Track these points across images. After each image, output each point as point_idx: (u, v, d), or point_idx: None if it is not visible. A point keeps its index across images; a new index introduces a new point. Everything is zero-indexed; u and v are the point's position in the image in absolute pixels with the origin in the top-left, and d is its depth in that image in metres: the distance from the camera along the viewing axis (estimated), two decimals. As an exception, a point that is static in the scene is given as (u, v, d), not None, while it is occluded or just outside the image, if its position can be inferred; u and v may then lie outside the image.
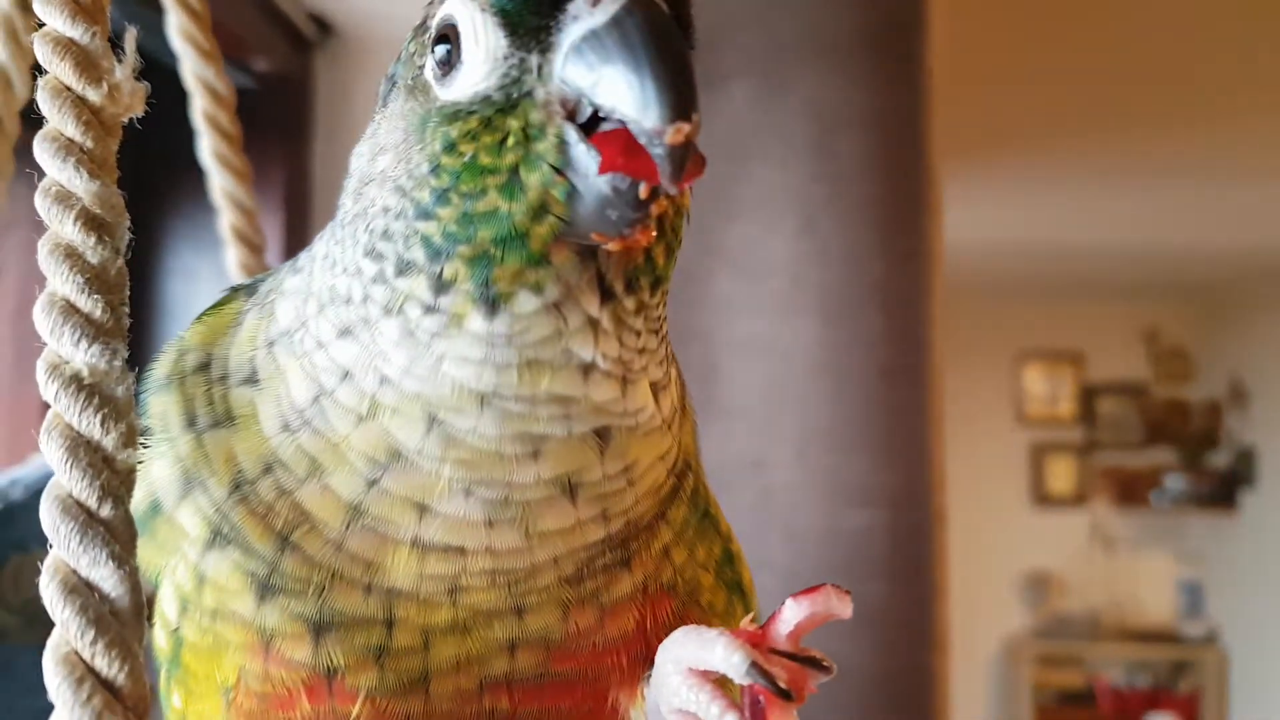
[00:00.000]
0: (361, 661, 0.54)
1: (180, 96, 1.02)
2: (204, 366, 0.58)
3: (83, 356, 0.50)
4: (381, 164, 0.54)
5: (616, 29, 0.45)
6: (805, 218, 1.51)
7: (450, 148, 0.49)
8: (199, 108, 0.99)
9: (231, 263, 1.04)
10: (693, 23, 0.51)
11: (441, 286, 0.49)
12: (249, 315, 0.59)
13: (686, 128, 0.44)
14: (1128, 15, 2.73)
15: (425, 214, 0.50)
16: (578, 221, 0.47)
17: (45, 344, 0.51)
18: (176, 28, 0.96)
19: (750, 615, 0.56)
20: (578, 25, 0.47)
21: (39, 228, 0.55)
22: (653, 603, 0.59)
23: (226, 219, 1.02)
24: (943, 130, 1.58)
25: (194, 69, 0.97)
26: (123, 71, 0.59)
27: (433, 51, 0.52)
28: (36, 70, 0.60)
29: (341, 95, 2.25)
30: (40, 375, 0.50)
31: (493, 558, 0.53)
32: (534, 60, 0.48)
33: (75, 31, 0.57)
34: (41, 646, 0.48)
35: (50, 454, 0.49)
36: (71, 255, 0.52)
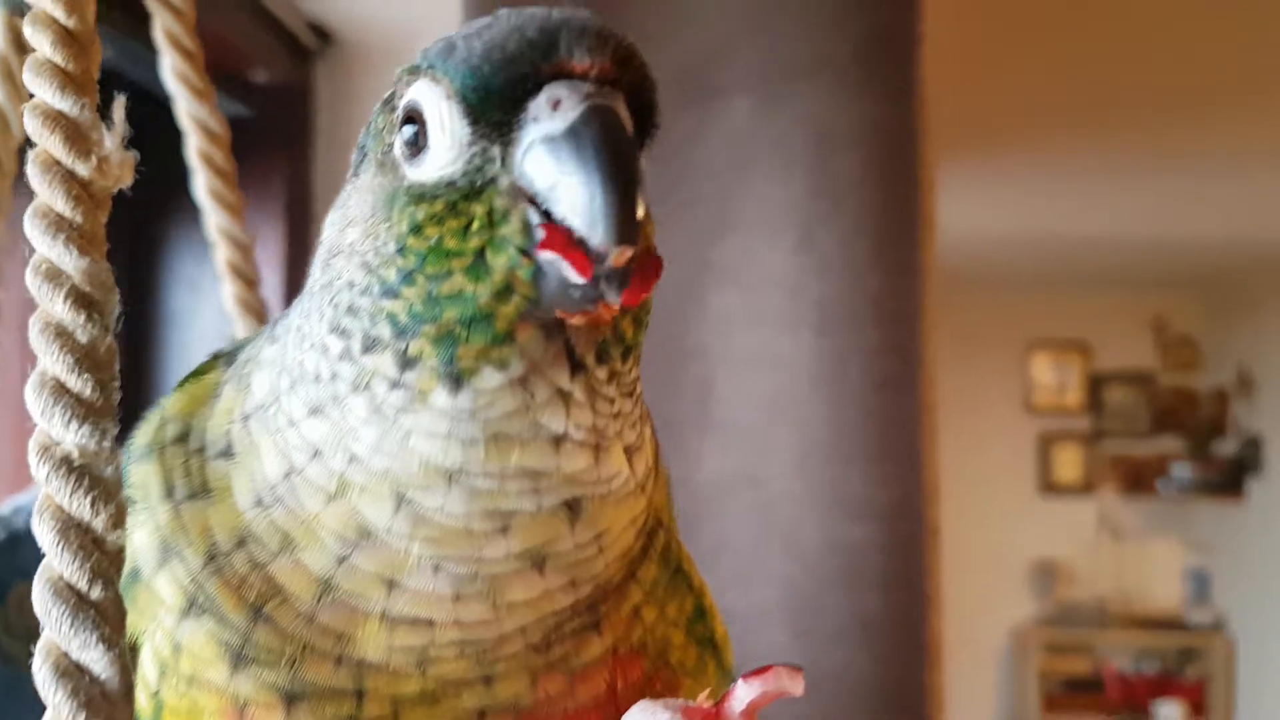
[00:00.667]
0: None
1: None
2: (182, 438, 0.59)
3: (73, 438, 0.51)
4: (350, 236, 0.55)
5: (573, 140, 0.47)
6: (803, 231, 1.51)
7: (417, 230, 0.50)
8: (194, 146, 1.00)
9: (228, 297, 1.05)
10: (657, 107, 0.53)
11: (407, 363, 0.50)
12: (227, 387, 0.60)
13: (629, 251, 0.46)
14: (1131, 5, 2.73)
15: (391, 293, 0.50)
16: (543, 300, 0.48)
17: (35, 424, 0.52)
18: (170, 69, 0.97)
19: (706, 692, 0.57)
20: (537, 127, 0.48)
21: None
22: (623, 665, 0.60)
23: (222, 255, 1.03)
24: (951, 119, 1.59)
25: (188, 109, 0.98)
26: (112, 141, 0.60)
27: (400, 131, 0.53)
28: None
29: (342, 103, 2.25)
30: (31, 457, 0.51)
31: (460, 629, 0.54)
32: (496, 150, 0.50)
33: (65, 104, 0.58)
34: None
35: (42, 536, 0.50)
36: (62, 334, 0.53)
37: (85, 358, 0.53)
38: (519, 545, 0.52)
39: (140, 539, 0.58)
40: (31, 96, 0.60)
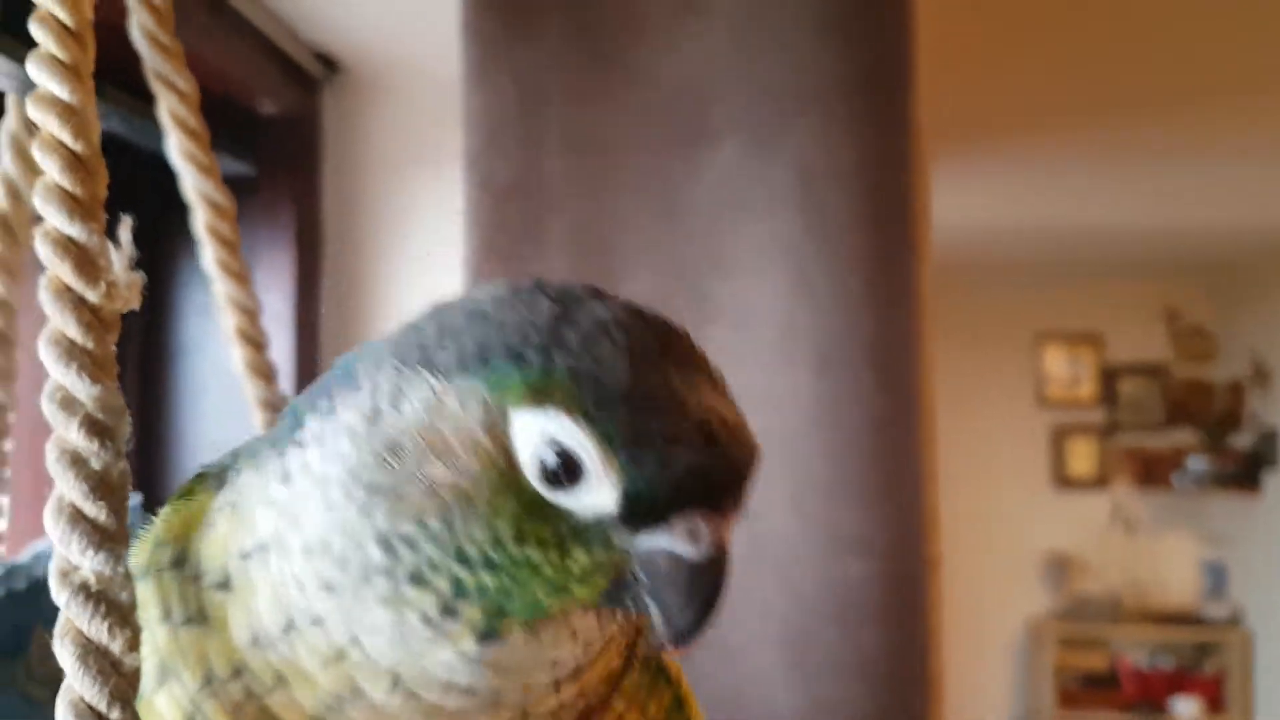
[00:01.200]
0: None
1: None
2: (178, 563, 0.61)
3: (89, 564, 0.54)
4: (434, 472, 0.54)
5: (692, 575, 0.53)
6: (797, 271, 1.53)
7: (520, 540, 0.53)
8: (200, 220, 1.03)
9: (236, 361, 1.08)
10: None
11: (450, 612, 0.53)
12: (220, 516, 0.61)
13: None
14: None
15: (467, 565, 0.53)
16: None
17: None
18: (176, 148, 1.00)
19: None
20: (669, 539, 0.53)
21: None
22: None
23: (229, 321, 1.06)
24: (955, 114, 1.60)
25: (194, 185, 1.01)
26: (120, 263, 0.62)
27: (545, 455, 0.53)
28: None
29: (350, 131, 2.28)
30: (52, 581, 0.54)
31: None
32: (626, 529, 0.54)
33: (74, 230, 0.60)
34: None
35: (62, 659, 0.53)
36: (77, 462, 0.56)
37: (100, 484, 0.55)
38: (507, 714, 0.57)
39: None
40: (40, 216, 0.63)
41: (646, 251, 1.55)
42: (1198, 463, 7.14)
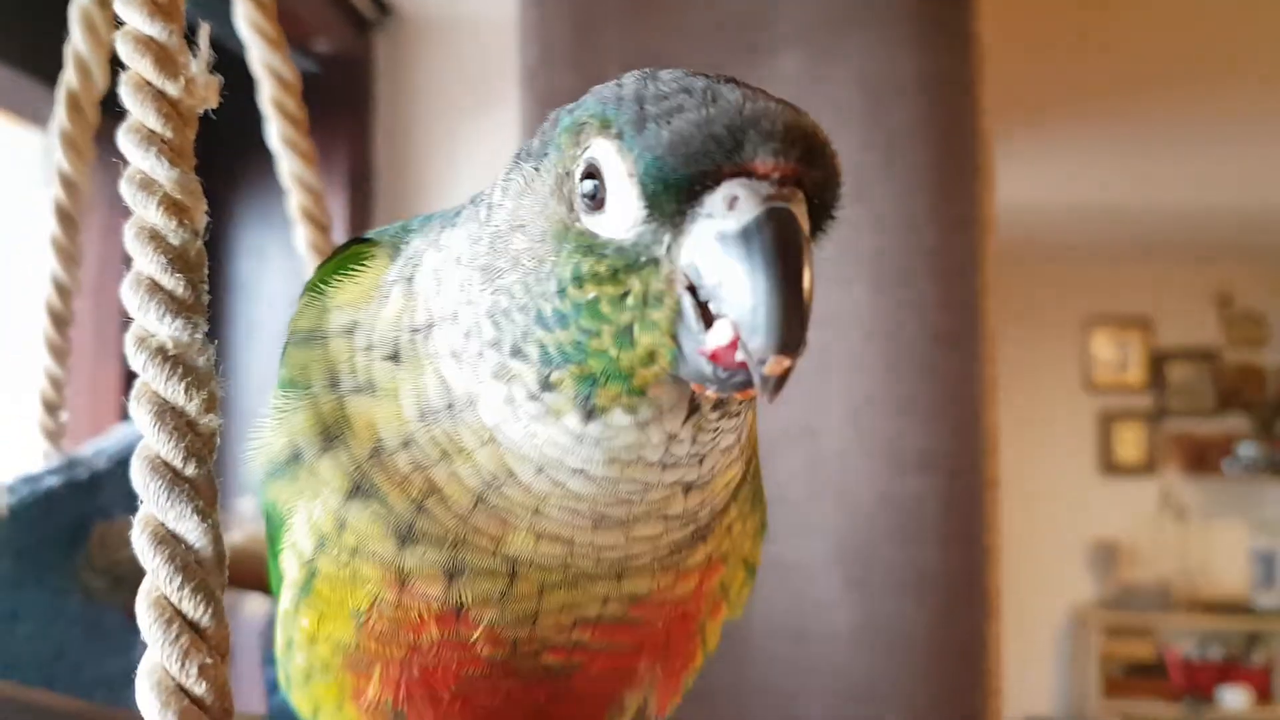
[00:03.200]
0: (486, 600, 0.61)
1: (247, 81, 1.07)
2: (349, 331, 0.62)
3: (167, 330, 0.54)
4: (517, 244, 0.57)
5: (744, 243, 0.48)
6: (856, 185, 1.51)
7: (579, 281, 0.53)
8: (267, 94, 1.03)
9: (300, 241, 1.09)
10: (838, 202, 0.54)
11: (547, 385, 0.54)
12: (395, 290, 0.62)
13: (787, 363, 0.48)
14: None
15: (545, 324, 0.54)
16: (681, 374, 0.52)
17: (131, 319, 0.55)
18: (245, 17, 1.00)
19: None
20: (710, 223, 0.49)
21: (113, 212, 0.59)
22: (711, 569, 0.68)
23: (295, 200, 1.07)
24: (1008, 93, 1.58)
25: (261, 57, 1.01)
26: (198, 66, 0.62)
27: (581, 184, 0.54)
28: (115, 64, 0.63)
29: (402, 74, 2.29)
30: (129, 348, 0.54)
31: (596, 548, 0.60)
32: (666, 235, 0.51)
33: (154, 30, 0.61)
34: (125, 607, 0.53)
35: (139, 419, 0.53)
36: (155, 238, 0.56)
37: (178, 259, 0.56)
38: (641, 509, 0.58)
39: (300, 422, 0.62)
40: (121, 25, 0.63)
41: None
42: (1249, 449, 7.01)
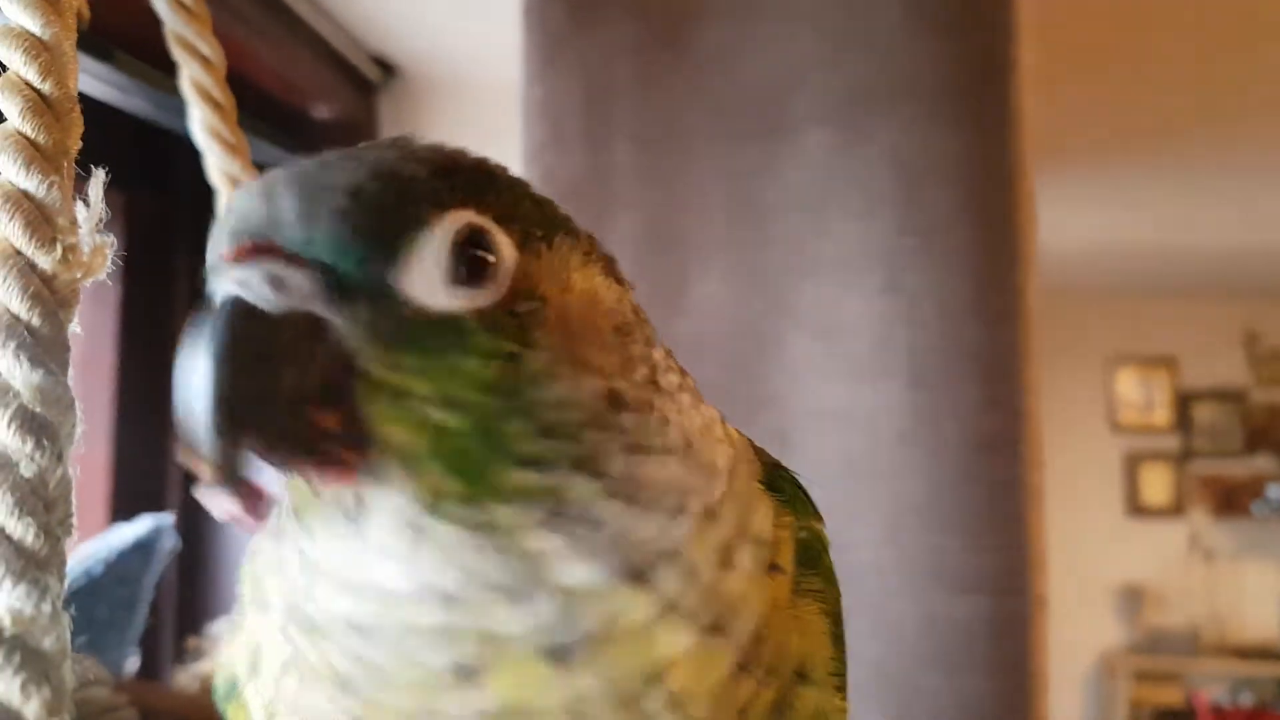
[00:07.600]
0: None
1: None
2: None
3: (5, 599, 0.41)
4: None
5: (196, 336, 0.41)
6: (890, 273, 1.39)
7: None
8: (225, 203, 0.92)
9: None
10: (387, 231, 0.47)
11: None
12: None
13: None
14: (1224, 13, 2.57)
15: None
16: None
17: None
18: (200, 123, 0.89)
19: None
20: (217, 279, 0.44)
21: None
22: None
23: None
24: (1035, 130, 1.46)
25: (219, 164, 0.90)
26: (86, 224, 0.50)
27: None
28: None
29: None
30: None
31: None
32: None
33: (29, 183, 0.48)
34: None
35: None
36: (3, 468, 0.43)
37: (30, 495, 0.43)
38: None
39: (240, 645, 0.52)
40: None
41: (720, 252, 1.42)
42: (1278, 491, 6.83)
